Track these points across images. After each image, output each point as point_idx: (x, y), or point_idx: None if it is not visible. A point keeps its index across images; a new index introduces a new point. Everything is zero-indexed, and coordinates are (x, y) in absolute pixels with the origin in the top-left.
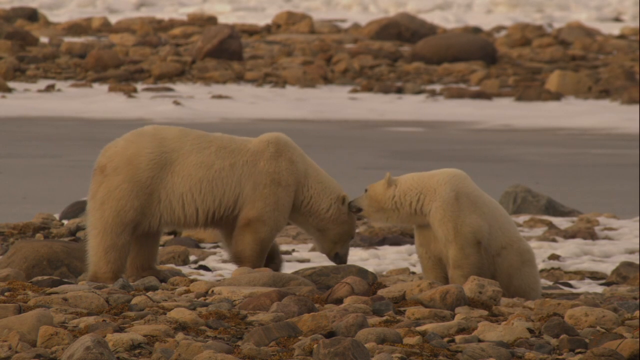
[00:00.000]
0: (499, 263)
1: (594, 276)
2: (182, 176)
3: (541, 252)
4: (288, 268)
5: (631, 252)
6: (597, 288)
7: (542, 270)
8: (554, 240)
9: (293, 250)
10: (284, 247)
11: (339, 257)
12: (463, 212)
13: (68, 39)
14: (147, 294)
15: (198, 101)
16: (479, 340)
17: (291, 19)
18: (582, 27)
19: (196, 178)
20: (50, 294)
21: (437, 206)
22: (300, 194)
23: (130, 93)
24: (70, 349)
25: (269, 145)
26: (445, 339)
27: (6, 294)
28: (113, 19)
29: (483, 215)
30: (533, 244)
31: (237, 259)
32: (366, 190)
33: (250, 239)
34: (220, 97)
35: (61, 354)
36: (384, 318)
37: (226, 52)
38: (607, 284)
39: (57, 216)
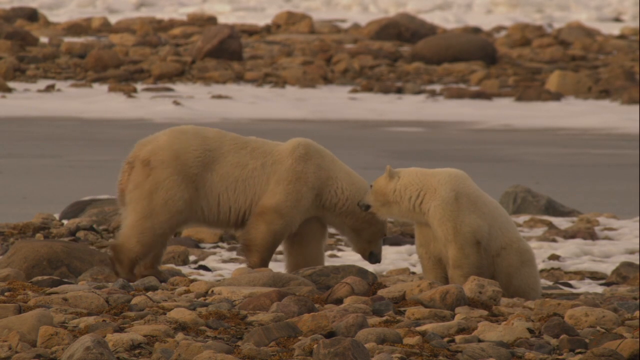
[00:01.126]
0: (499, 263)
1: (594, 276)
2: (220, 175)
3: (541, 252)
4: None
5: (631, 252)
6: (597, 288)
7: (542, 270)
8: (554, 241)
9: None
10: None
11: (374, 256)
12: (462, 212)
13: (68, 39)
14: (147, 294)
15: (198, 101)
16: (479, 340)
17: (291, 19)
18: (582, 27)
19: (232, 177)
20: (50, 294)
21: (437, 205)
22: (334, 197)
23: (130, 93)
24: (70, 349)
25: (299, 146)
26: (445, 339)
27: (6, 294)
28: (113, 19)
29: (483, 216)
30: (533, 244)
31: (246, 247)
32: (371, 186)
33: (264, 229)
34: (220, 97)
35: (61, 354)
36: (384, 318)
37: (226, 52)
38: (607, 284)
39: (57, 216)
